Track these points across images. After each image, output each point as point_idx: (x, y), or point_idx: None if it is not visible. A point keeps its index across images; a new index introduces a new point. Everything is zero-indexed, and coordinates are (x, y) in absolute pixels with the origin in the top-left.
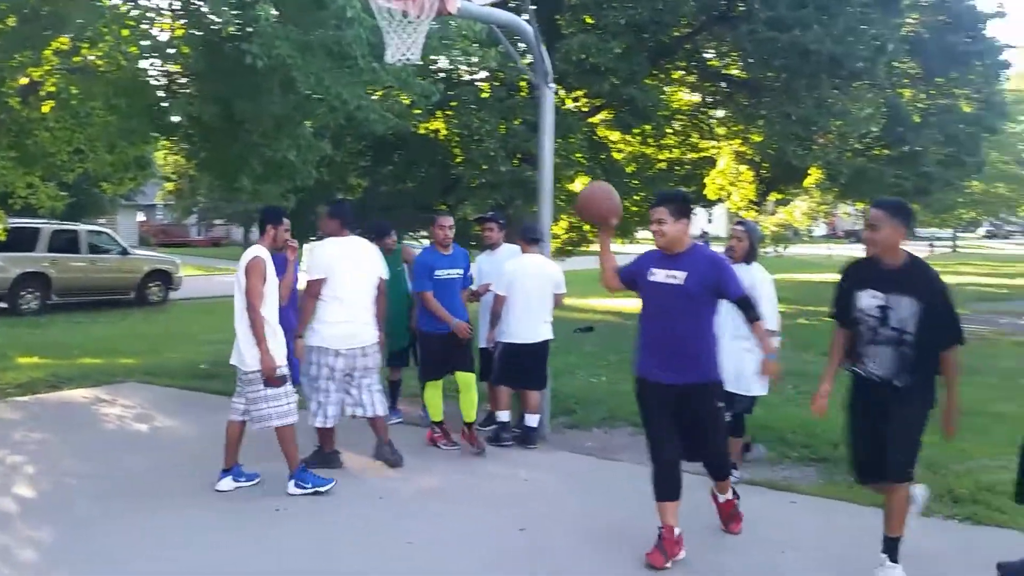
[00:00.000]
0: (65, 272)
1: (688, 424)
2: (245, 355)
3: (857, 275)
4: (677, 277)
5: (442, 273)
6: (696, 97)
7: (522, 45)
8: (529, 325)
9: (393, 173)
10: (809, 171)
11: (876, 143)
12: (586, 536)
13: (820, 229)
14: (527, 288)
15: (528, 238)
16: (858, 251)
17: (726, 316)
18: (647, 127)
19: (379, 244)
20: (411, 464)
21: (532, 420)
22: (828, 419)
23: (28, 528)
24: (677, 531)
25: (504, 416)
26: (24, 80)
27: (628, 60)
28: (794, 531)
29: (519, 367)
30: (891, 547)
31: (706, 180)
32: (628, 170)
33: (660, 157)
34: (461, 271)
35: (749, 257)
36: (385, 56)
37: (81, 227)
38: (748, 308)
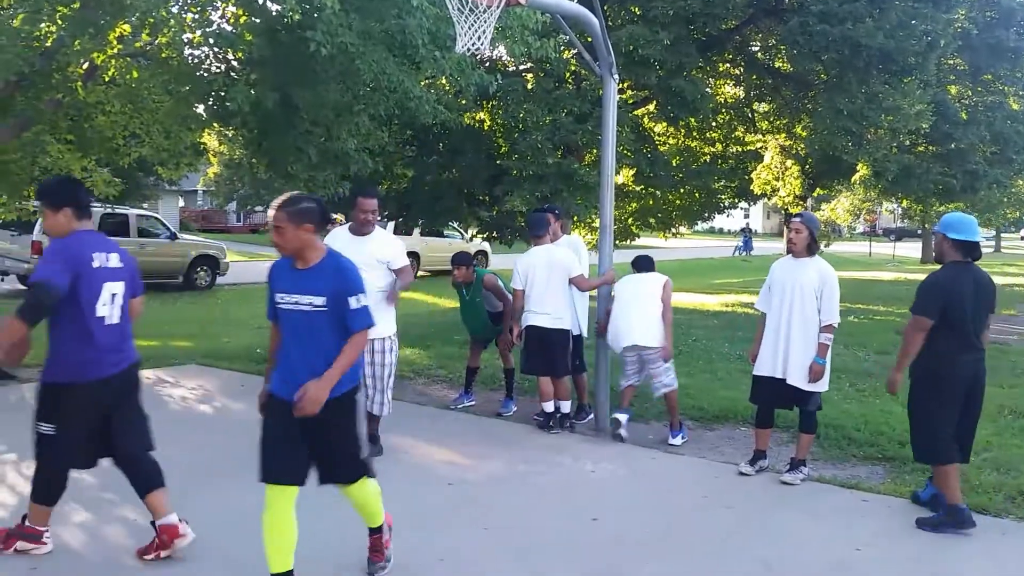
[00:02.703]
0: None
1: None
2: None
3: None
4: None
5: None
6: (740, 90)
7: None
8: (533, 311)
9: (438, 163)
10: (857, 167)
11: (923, 140)
12: (655, 528)
13: (861, 226)
14: (535, 278)
15: (532, 234)
16: (903, 249)
17: (795, 312)
18: (692, 120)
19: (458, 273)
20: (479, 452)
21: (564, 406)
22: (893, 416)
23: (102, 508)
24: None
25: (548, 407)
26: (86, 64)
27: (676, 51)
28: (867, 530)
29: (534, 353)
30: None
31: (752, 175)
32: (673, 162)
33: (705, 150)
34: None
35: (811, 250)
36: (456, 46)
37: (131, 211)
38: None
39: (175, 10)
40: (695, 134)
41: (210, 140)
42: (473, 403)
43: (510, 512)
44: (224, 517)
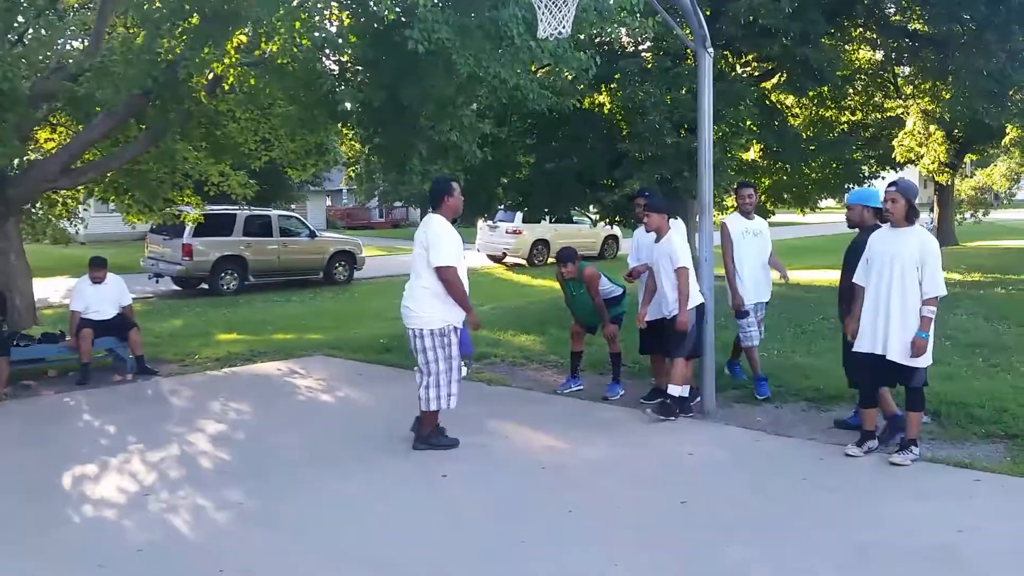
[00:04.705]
0: (260, 254)
1: None
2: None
3: None
4: None
5: None
6: (879, 55)
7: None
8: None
9: (558, 150)
10: (1006, 129)
11: None
12: (746, 512)
13: (1022, 193)
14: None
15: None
16: None
17: (894, 285)
18: (824, 89)
19: (563, 269)
20: (578, 436)
21: (673, 390)
22: (1022, 392)
23: (227, 492)
24: None
25: (674, 390)
26: (209, 75)
27: (801, 19)
28: (975, 511)
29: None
30: None
31: (893, 142)
32: (804, 135)
33: (841, 120)
34: None
35: (909, 218)
36: (537, 32)
37: (273, 212)
38: None
39: (286, 19)
40: (829, 103)
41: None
42: (581, 388)
43: (598, 495)
44: (327, 501)
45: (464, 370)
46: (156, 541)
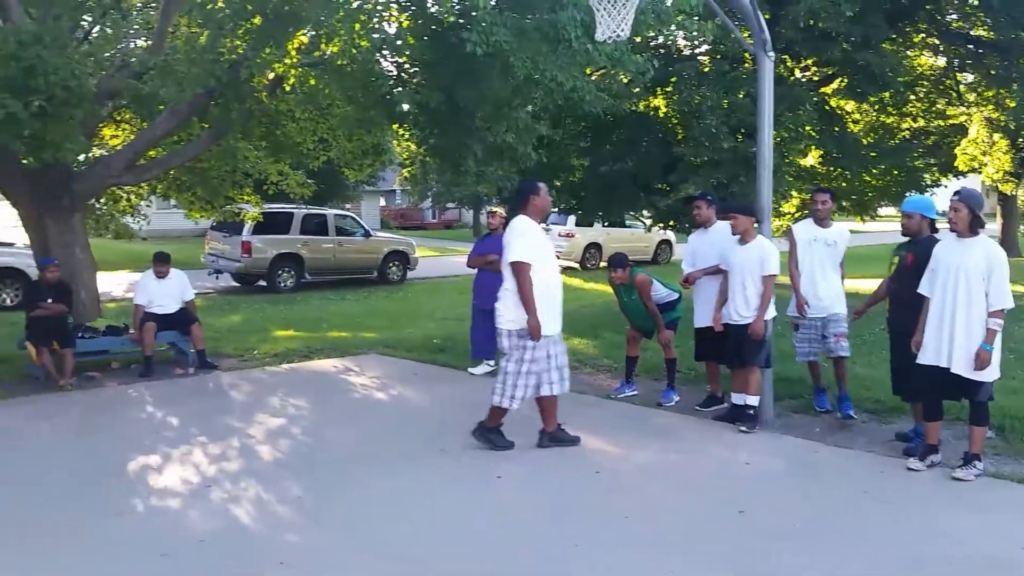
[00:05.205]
0: (316, 253)
1: None
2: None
3: None
4: None
5: None
6: (941, 61)
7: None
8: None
9: (612, 153)
10: None
11: None
12: (803, 522)
13: None
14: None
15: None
16: None
17: (959, 296)
18: (885, 95)
19: (613, 275)
20: (632, 442)
21: (739, 399)
22: None
23: (286, 485)
24: None
25: (752, 400)
26: (270, 75)
27: (862, 23)
28: None
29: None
30: None
31: (956, 151)
32: (865, 141)
33: (903, 126)
34: None
35: (974, 228)
36: (595, 35)
37: (329, 211)
38: None
39: (345, 20)
40: (890, 109)
41: (395, 141)
42: (635, 393)
43: (653, 501)
44: (381, 498)
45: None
46: (218, 531)
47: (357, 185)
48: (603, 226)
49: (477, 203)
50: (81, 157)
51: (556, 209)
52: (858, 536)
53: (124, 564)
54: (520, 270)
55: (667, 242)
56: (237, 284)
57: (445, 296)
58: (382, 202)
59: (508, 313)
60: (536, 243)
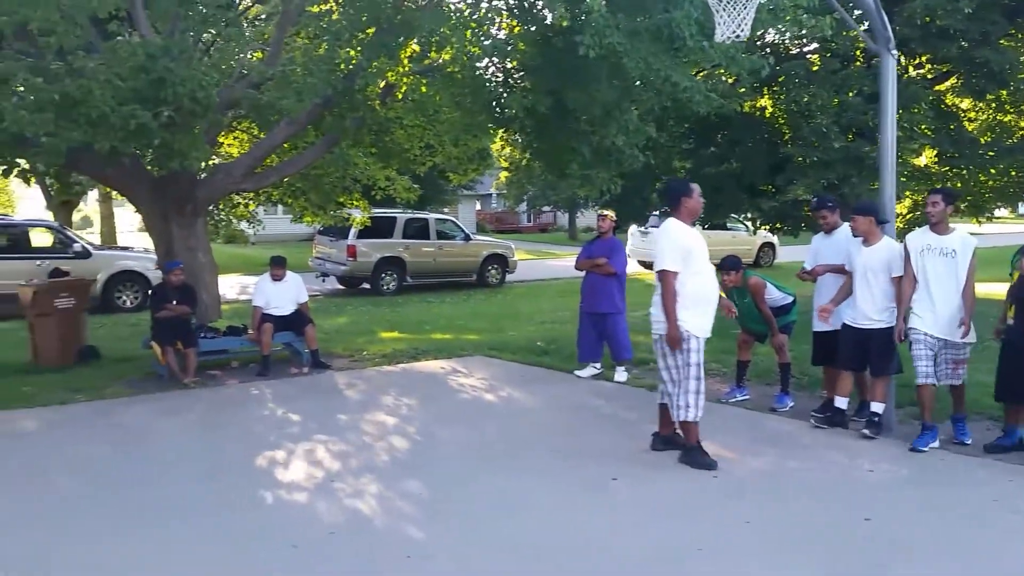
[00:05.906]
0: (417, 256)
1: None
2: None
3: None
4: None
5: None
6: None
7: (859, 11)
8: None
9: (716, 154)
10: None
11: None
12: (930, 531)
13: None
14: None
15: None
16: None
17: None
18: (1003, 93)
19: (725, 278)
20: (746, 447)
21: (876, 407)
22: None
23: (405, 481)
24: None
25: (878, 407)
26: (382, 84)
27: (980, 20)
28: None
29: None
30: None
31: None
32: (982, 141)
33: (1021, 124)
34: None
35: None
36: (715, 34)
37: (430, 215)
38: None
39: (457, 28)
40: (1008, 108)
41: (494, 145)
42: (747, 397)
43: (775, 507)
44: (497, 497)
45: (623, 375)
46: (344, 525)
47: (455, 189)
48: (703, 228)
49: (573, 206)
50: (203, 164)
51: (656, 212)
52: (985, 548)
53: (258, 554)
54: (665, 279)
55: (770, 244)
56: (342, 287)
57: (544, 299)
58: (478, 206)
59: (664, 319)
60: (688, 248)
